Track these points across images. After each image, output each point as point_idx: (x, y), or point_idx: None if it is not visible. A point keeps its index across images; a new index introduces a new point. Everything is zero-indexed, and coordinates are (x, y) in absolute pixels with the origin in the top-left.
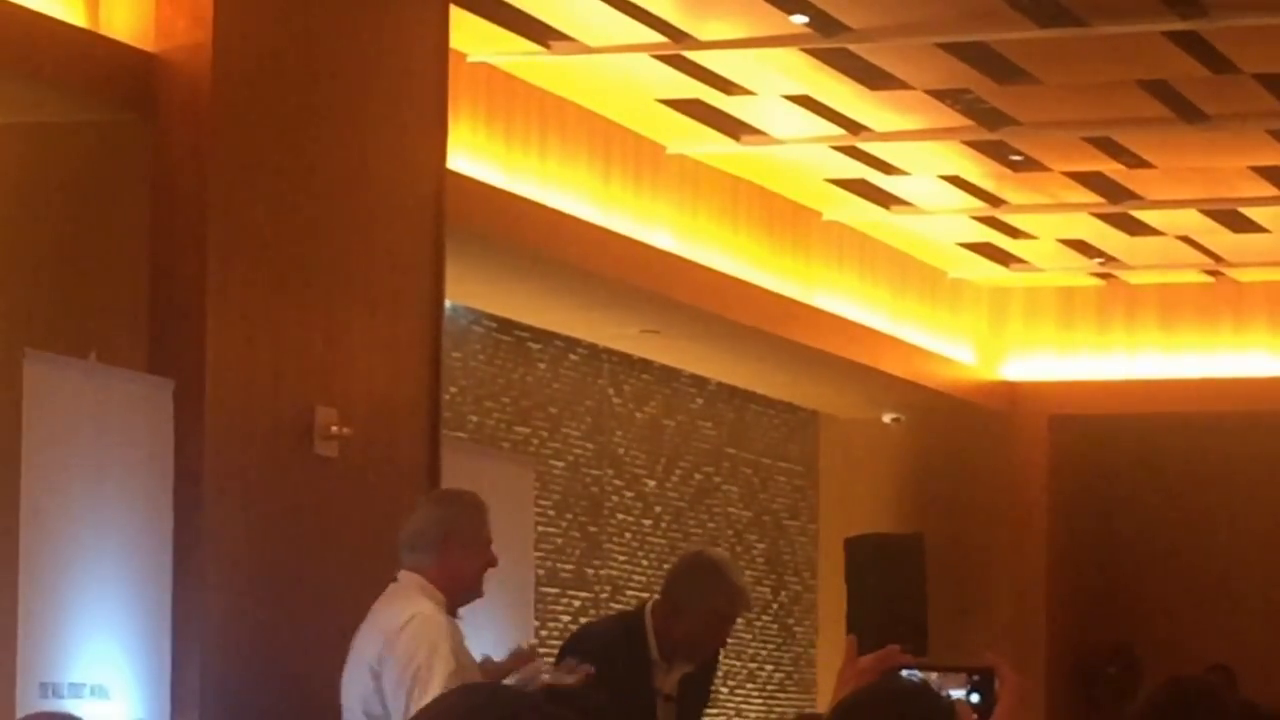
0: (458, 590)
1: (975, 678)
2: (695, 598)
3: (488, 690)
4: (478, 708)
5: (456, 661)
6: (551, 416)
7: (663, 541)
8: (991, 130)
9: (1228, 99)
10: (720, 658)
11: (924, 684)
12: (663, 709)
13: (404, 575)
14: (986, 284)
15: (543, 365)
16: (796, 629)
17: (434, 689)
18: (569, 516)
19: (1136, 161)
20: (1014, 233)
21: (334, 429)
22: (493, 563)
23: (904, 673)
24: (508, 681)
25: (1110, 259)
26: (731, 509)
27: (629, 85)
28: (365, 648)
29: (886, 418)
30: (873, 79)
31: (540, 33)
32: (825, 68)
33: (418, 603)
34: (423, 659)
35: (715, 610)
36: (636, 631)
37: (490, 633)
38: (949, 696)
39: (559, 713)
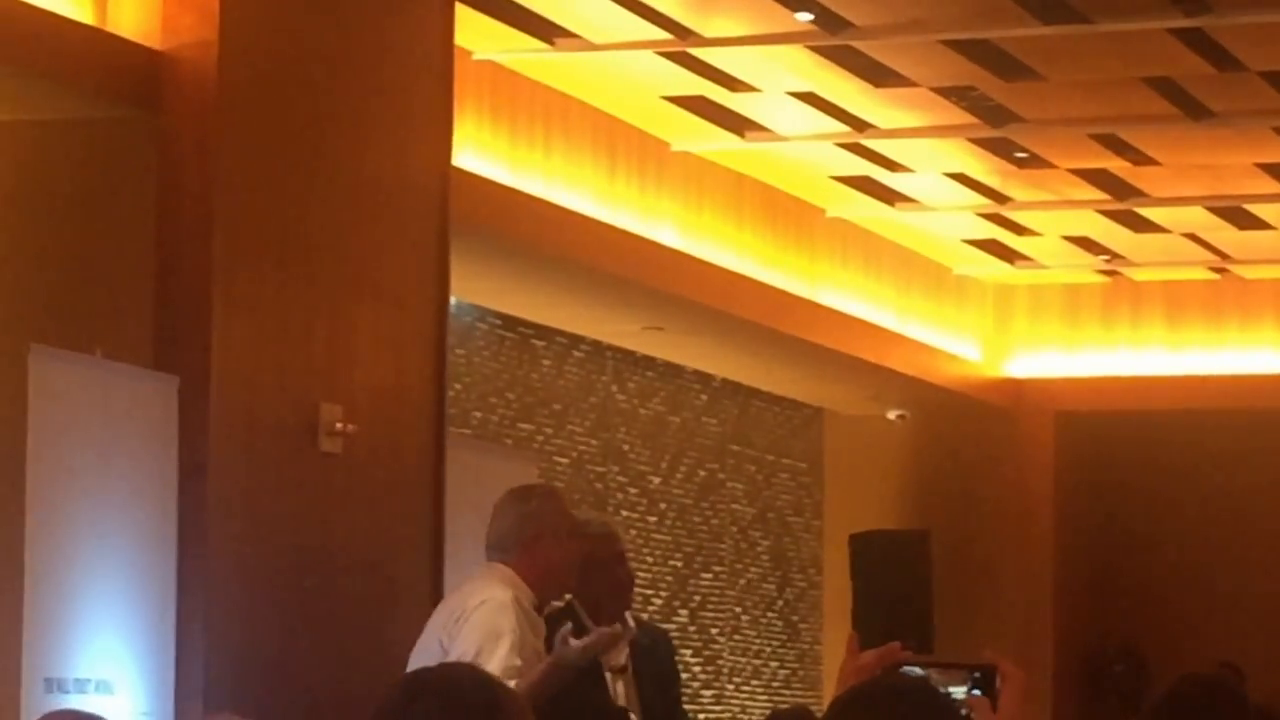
0: (550, 584)
1: (976, 675)
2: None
3: None
4: None
5: (520, 658)
6: (556, 413)
7: (667, 538)
8: (997, 127)
9: (1233, 96)
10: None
11: (924, 680)
12: (615, 683)
13: (492, 565)
14: (992, 281)
15: (547, 362)
16: (801, 625)
17: None
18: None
19: (1142, 158)
20: (1019, 230)
21: (338, 425)
22: (580, 551)
23: (905, 669)
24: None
25: (1116, 256)
26: (736, 505)
27: (634, 82)
28: (439, 620)
29: (891, 414)
30: (878, 76)
31: (545, 30)
32: (830, 65)
33: (494, 589)
34: (481, 645)
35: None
36: (568, 613)
37: None
38: (950, 694)
39: None
